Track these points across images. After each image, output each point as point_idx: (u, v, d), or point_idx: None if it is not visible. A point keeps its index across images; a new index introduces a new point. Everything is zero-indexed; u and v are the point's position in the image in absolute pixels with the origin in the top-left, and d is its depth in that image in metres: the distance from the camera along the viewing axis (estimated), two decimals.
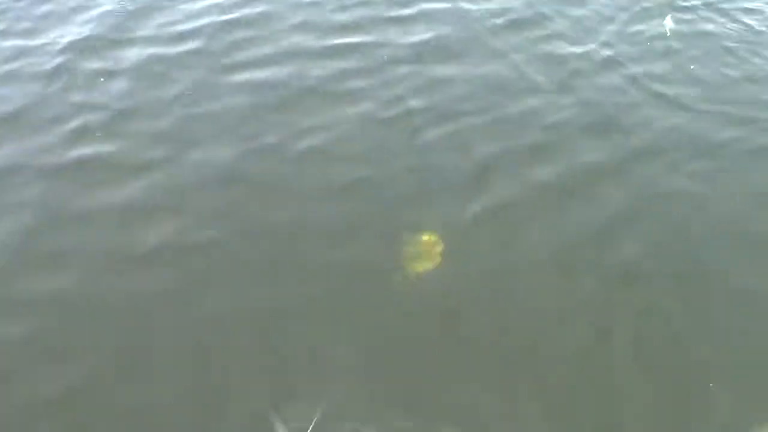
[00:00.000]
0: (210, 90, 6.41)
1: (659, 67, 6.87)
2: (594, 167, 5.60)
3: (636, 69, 6.80)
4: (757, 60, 6.98)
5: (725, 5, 7.81)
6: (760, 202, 5.37)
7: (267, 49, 6.96)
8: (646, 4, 7.84)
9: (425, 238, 4.97)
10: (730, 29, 7.42)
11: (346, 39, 7.09)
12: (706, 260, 4.90)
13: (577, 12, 7.67)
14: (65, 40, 7.03)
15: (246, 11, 7.52)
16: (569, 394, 4.09)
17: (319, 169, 5.58)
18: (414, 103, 6.23)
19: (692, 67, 6.83)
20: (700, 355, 4.31)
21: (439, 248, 4.91)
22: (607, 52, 7.04)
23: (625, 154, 5.74)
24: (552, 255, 4.87)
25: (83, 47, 6.96)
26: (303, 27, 7.30)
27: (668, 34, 7.36)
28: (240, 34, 7.18)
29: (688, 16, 7.68)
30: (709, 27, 7.50)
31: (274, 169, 5.58)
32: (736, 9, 7.74)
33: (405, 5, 7.59)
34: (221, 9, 7.55)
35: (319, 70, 6.66)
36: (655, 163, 5.67)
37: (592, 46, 7.10)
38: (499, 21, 7.44)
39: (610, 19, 7.57)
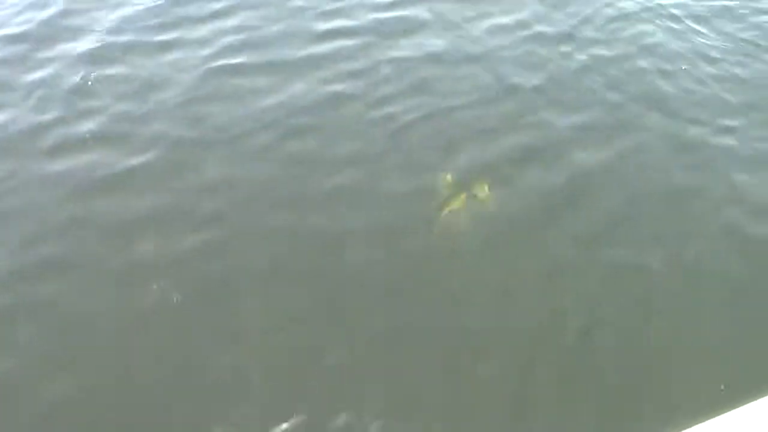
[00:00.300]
0: (198, 94, 6.36)
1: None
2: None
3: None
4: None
5: None
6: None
7: (255, 35, 6.98)
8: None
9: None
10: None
11: (333, 43, 7.06)
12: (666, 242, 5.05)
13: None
14: (52, 53, 6.87)
15: (229, 21, 7.39)
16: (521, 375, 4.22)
17: (322, 142, 5.71)
18: (402, 101, 6.27)
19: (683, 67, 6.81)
20: (657, 339, 4.43)
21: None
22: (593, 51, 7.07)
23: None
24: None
25: (70, 57, 6.80)
26: (289, 30, 7.24)
27: None
28: (224, 39, 7.07)
29: None
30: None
31: (270, 167, 5.61)
32: None
33: (387, 10, 7.56)
34: (200, 18, 7.37)
35: (308, 53, 6.71)
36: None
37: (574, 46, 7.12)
38: (485, 25, 7.39)
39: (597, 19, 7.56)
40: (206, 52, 6.81)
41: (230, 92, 6.34)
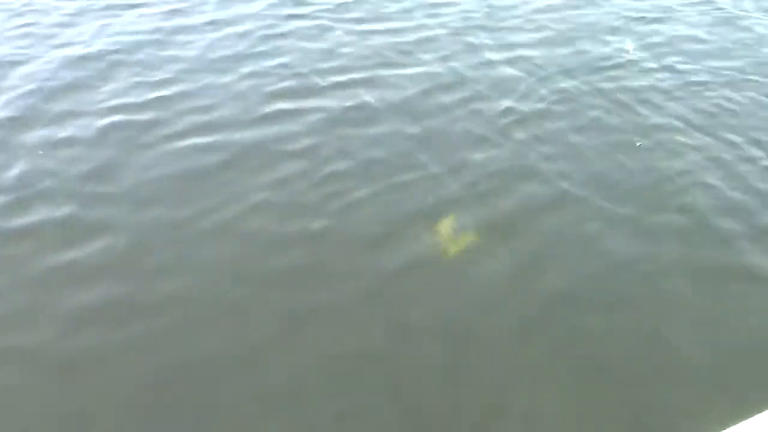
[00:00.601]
0: (151, 157, 6.55)
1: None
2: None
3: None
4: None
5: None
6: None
7: (204, 118, 7.12)
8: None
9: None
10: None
11: (283, 105, 7.36)
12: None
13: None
14: None
15: (181, 87, 7.63)
16: None
17: (273, 220, 5.86)
18: (350, 178, 6.45)
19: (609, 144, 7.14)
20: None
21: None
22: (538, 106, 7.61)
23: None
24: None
25: (13, 122, 6.88)
26: (239, 97, 7.53)
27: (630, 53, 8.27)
28: (174, 106, 7.29)
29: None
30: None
31: (229, 223, 5.79)
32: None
33: (338, 74, 8.02)
34: (150, 85, 7.63)
35: (257, 134, 6.90)
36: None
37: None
38: (432, 84, 7.88)
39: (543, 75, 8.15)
40: (163, 132, 6.92)
41: (183, 173, 6.39)
